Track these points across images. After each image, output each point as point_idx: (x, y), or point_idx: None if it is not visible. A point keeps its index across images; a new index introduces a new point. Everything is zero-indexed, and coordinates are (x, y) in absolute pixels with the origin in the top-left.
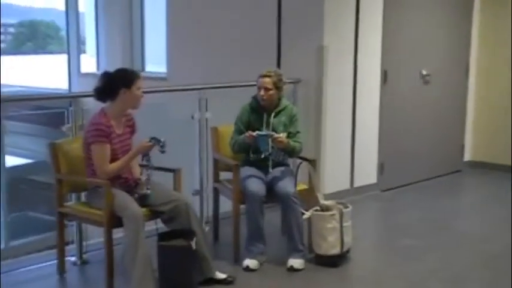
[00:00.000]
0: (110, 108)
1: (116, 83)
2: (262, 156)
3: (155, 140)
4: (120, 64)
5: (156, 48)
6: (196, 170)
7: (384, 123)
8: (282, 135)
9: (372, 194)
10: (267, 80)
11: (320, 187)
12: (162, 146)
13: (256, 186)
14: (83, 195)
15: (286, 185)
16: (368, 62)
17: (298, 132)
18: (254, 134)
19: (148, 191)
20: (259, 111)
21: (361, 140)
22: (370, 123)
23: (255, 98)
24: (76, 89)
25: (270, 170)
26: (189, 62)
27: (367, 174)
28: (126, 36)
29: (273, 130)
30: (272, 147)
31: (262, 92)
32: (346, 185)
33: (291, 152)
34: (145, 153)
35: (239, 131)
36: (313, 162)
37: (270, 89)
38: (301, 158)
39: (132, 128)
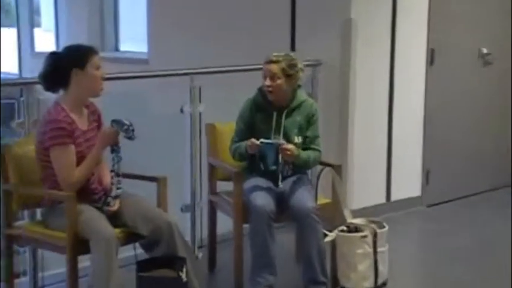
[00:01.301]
0: (65, 99)
1: (65, 64)
2: (272, 168)
3: (117, 124)
4: (87, 41)
5: (133, 21)
6: (186, 178)
7: (431, 118)
8: (291, 146)
9: (415, 210)
10: (274, 66)
11: (347, 201)
12: (126, 131)
13: (263, 199)
14: (38, 212)
15: (303, 198)
16: (410, 38)
17: (316, 137)
18: (258, 142)
19: (115, 206)
20: (266, 109)
21: (400, 140)
22: (413, 118)
23: (261, 90)
24: (29, 73)
25: (280, 183)
26: (178, 40)
27: (409, 184)
28: (94, 5)
29: (285, 134)
30: (283, 158)
31: (267, 82)
32: (381, 199)
33: (303, 165)
34: (114, 143)
35: (241, 134)
36: (337, 169)
37: (278, 78)
38: (322, 163)
39: (98, 122)
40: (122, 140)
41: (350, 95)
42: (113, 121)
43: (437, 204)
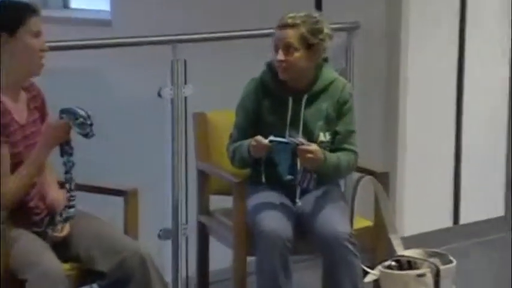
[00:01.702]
0: None
1: None
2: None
3: (68, 115)
4: None
5: None
6: (166, 191)
7: None
8: (314, 146)
9: (496, 237)
10: (289, 32)
11: (396, 223)
12: (81, 126)
13: (276, 221)
14: None
15: (333, 220)
16: None
17: (351, 132)
18: (266, 141)
19: (63, 232)
20: (278, 93)
21: (473, 138)
22: (492, 107)
23: (270, 66)
24: None
25: (298, 199)
26: None
27: (486, 200)
28: None
29: (306, 129)
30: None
31: (280, 55)
32: (446, 221)
33: (332, 174)
34: (64, 142)
35: (242, 129)
36: (382, 178)
37: (295, 49)
38: (361, 170)
39: (41, 112)
40: (75, 137)
41: (400, 73)
42: (63, 111)
43: None
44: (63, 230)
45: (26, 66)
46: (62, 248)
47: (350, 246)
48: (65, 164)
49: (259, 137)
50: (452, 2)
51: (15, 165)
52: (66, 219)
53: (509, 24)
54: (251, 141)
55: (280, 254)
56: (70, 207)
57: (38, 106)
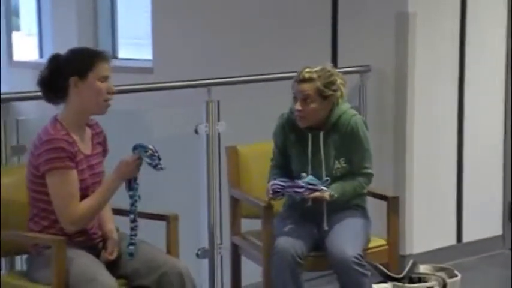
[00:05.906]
0: (64, 115)
1: (63, 71)
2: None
3: (139, 148)
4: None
5: (134, 22)
6: (203, 216)
7: None
8: (318, 194)
9: (495, 253)
10: (306, 86)
11: (406, 242)
12: (151, 157)
13: (289, 240)
14: (19, 260)
15: (342, 242)
16: (484, 37)
17: (363, 157)
18: (270, 190)
19: (113, 254)
20: (300, 130)
21: (473, 166)
22: (489, 138)
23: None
24: (6, 88)
25: (325, 224)
26: (190, 45)
27: (486, 221)
28: (86, 3)
29: (326, 160)
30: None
31: (297, 106)
32: (450, 240)
33: (343, 199)
34: (133, 178)
35: (277, 156)
36: (393, 203)
37: (312, 101)
38: (374, 195)
39: (103, 147)
40: None
41: (407, 109)
42: (136, 147)
43: None
44: (113, 253)
45: (92, 106)
46: (113, 267)
47: (357, 268)
48: (131, 197)
49: (271, 186)
50: (453, 49)
51: (81, 190)
52: (130, 255)
53: (508, 59)
54: (267, 188)
55: (290, 268)
56: (131, 244)
57: (100, 142)
